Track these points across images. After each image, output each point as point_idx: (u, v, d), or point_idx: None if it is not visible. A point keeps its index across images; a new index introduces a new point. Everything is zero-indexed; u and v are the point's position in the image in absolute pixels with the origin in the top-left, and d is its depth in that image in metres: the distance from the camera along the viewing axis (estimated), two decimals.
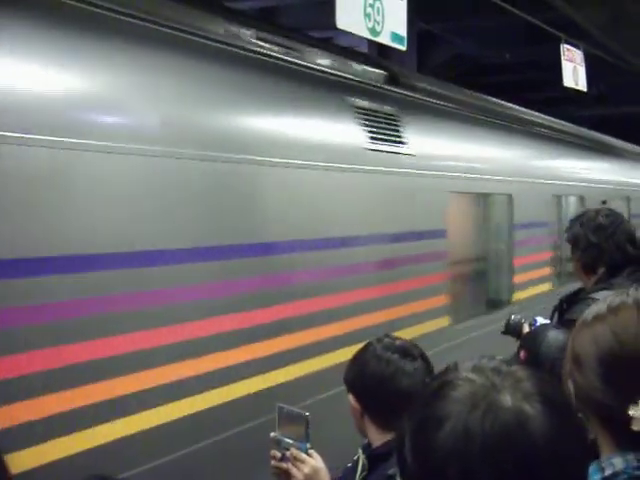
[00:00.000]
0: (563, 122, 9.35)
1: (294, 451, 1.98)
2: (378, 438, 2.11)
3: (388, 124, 4.68)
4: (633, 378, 1.18)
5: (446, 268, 5.29)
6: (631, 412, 1.15)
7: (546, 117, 8.82)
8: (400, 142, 4.75)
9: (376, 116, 4.58)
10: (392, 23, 3.78)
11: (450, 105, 6.06)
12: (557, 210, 8.11)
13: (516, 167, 6.89)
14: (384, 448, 2.06)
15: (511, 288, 6.53)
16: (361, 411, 2.16)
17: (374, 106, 4.62)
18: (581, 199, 8.37)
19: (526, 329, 3.29)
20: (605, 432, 1.23)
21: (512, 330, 3.39)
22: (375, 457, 2.12)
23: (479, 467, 0.93)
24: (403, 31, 3.93)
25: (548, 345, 2.53)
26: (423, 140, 5.22)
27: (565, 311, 3.25)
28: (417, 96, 5.52)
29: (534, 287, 6.87)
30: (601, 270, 3.19)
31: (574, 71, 7.47)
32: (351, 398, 2.19)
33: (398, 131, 4.77)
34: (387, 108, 4.79)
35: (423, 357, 2.19)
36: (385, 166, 4.54)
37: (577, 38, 7.73)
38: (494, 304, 6.52)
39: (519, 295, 6.56)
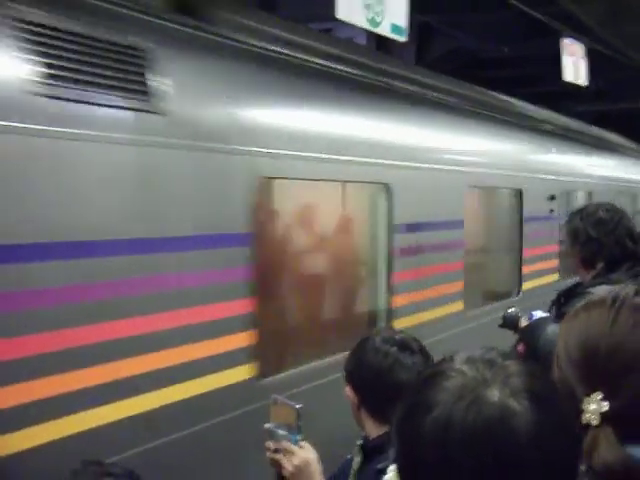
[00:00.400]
0: (497, 95, 7.43)
1: (284, 443, 2.00)
2: (374, 430, 2.11)
3: (111, 60, 2.89)
4: (594, 374, 1.18)
5: (249, 292, 3.46)
6: (582, 406, 1.15)
7: (469, 85, 6.90)
8: (136, 91, 2.96)
9: (81, 44, 2.78)
10: (392, 14, 3.74)
11: (279, 51, 3.98)
12: (477, 206, 6.49)
13: (400, 146, 4.83)
14: (378, 441, 2.06)
15: (388, 314, 4.60)
16: (358, 403, 2.15)
17: (79, 28, 2.79)
18: (518, 193, 6.75)
19: (523, 323, 3.30)
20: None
21: (509, 323, 3.40)
22: (369, 450, 2.11)
23: (459, 456, 0.94)
24: (403, 22, 3.90)
25: (546, 339, 2.54)
26: (197, 93, 3.31)
27: (563, 305, 3.25)
28: (214, 30, 3.58)
29: (430, 310, 5.06)
30: (600, 265, 3.19)
31: (575, 65, 7.43)
32: (348, 389, 2.18)
33: (143, 75, 3.01)
34: (120, 38, 2.97)
35: (422, 351, 2.18)
36: (89, 127, 2.75)
37: (577, 33, 7.70)
38: (335, 348, 4.10)
39: (400, 323, 4.58)
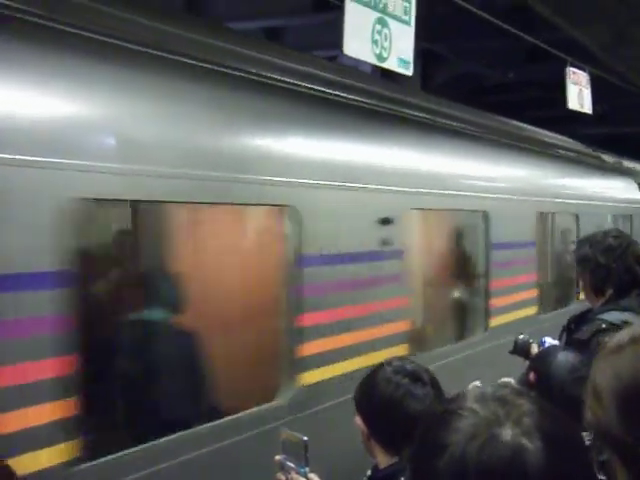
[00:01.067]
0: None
1: (294, 475, 2.04)
2: (385, 460, 2.11)
3: None
4: None
5: None
6: None
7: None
8: None
9: None
10: (399, 49, 3.79)
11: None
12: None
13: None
14: (389, 470, 2.06)
15: None
16: (368, 433, 2.15)
17: None
18: (294, 212, 3.86)
19: (534, 349, 3.30)
20: (624, 470, 1.19)
21: (520, 350, 3.41)
22: (379, 479, 2.11)
23: None
24: (409, 57, 3.95)
25: (558, 366, 2.55)
26: None
27: (573, 331, 3.26)
28: None
29: None
30: (609, 291, 3.20)
31: (579, 94, 7.45)
32: (358, 419, 2.18)
33: None
34: None
35: (433, 382, 2.18)
36: None
37: (580, 58, 7.76)
38: None
39: None
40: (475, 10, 6.25)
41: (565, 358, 2.58)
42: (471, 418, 1.02)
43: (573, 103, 7.36)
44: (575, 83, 7.37)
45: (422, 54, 9.88)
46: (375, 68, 8.19)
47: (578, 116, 9.51)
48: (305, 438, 2.03)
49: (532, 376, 2.62)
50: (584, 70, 7.63)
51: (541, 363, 2.67)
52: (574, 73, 7.39)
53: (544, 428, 1.00)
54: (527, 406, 1.03)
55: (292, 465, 2.05)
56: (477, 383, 3.02)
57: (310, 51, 6.50)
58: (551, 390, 2.51)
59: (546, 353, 2.79)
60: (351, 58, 3.60)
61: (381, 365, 2.25)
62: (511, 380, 3.10)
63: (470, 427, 1.00)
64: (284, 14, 8.89)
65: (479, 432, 0.99)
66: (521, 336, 3.48)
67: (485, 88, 12.64)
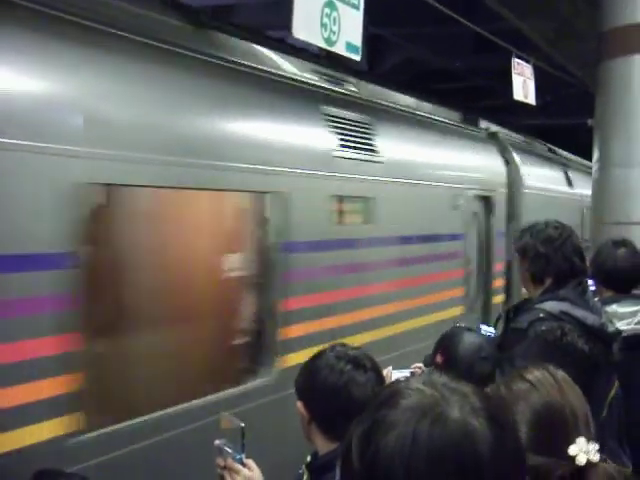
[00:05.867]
0: None
1: (229, 461, 2.02)
2: (325, 447, 2.10)
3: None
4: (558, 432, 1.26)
5: None
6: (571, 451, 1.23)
7: None
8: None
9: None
10: (347, 33, 3.77)
11: None
12: None
13: None
14: (329, 457, 2.05)
15: None
16: (309, 419, 2.14)
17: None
18: None
19: None
20: None
21: None
22: (319, 466, 2.11)
23: (423, 472, 0.96)
24: (358, 41, 3.94)
25: (465, 346, 2.63)
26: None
27: (512, 320, 3.30)
28: None
29: None
30: (548, 281, 3.25)
31: (524, 85, 7.58)
32: (300, 405, 2.17)
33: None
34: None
35: (375, 368, 2.18)
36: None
37: (525, 49, 7.87)
38: None
39: None
40: None
41: (471, 338, 2.66)
42: (418, 396, 1.03)
43: (518, 94, 7.47)
44: (520, 74, 7.48)
45: (369, 39, 9.88)
46: (321, 52, 8.13)
47: (521, 107, 9.69)
48: (242, 424, 2.01)
49: (439, 357, 2.67)
50: (528, 62, 7.74)
51: (448, 343, 2.73)
52: (519, 64, 7.50)
53: (487, 408, 1.02)
54: (468, 388, 1.06)
55: (229, 451, 2.02)
56: (390, 368, 3.06)
57: (259, 31, 6.40)
58: (459, 369, 2.57)
59: (453, 334, 2.85)
60: (299, 40, 3.55)
61: (323, 351, 2.23)
62: (421, 365, 3.15)
63: (418, 404, 1.01)
64: None
65: (427, 409, 1.00)
66: (457, 324, 3.52)
67: (431, 75, 12.72)
